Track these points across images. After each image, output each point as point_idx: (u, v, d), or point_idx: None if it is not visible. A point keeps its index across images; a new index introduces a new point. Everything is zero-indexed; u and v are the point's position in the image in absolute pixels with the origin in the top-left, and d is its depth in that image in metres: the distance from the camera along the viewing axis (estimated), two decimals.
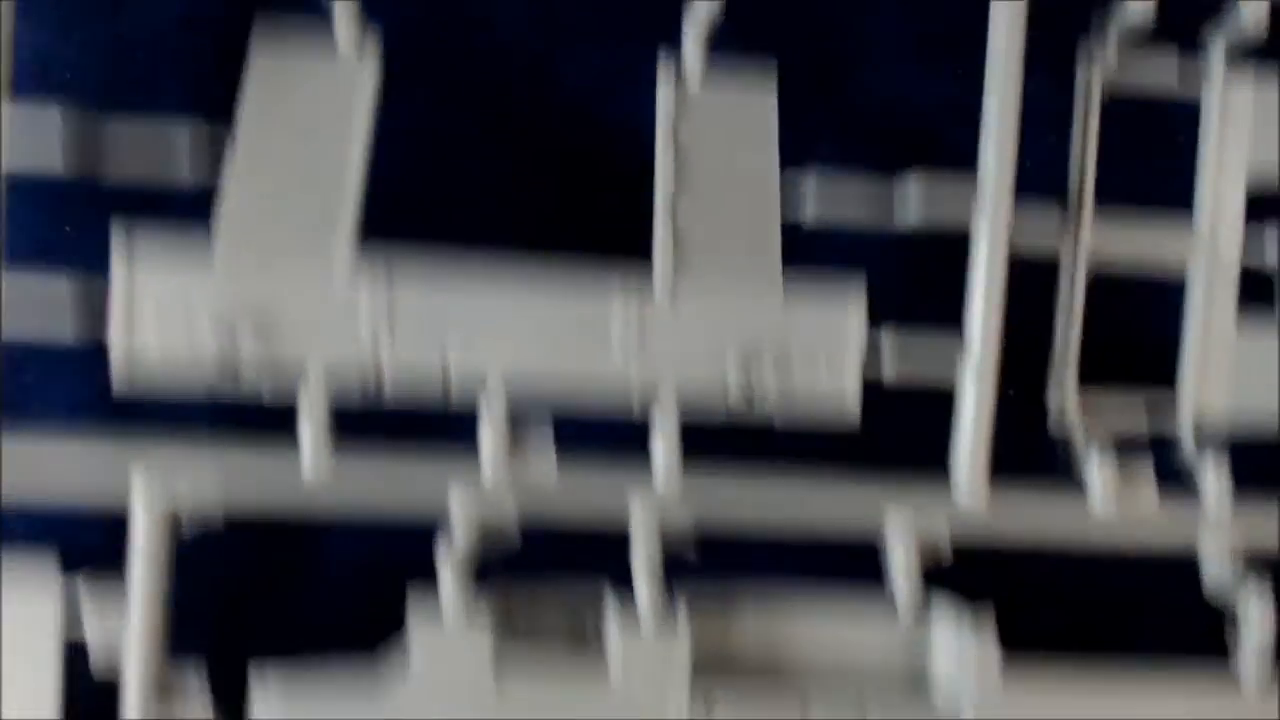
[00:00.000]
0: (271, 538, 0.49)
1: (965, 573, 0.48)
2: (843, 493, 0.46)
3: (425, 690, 0.43)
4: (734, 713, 0.44)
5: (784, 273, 0.45)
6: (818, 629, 0.46)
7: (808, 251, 0.48)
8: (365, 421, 0.46)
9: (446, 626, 0.43)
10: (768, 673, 0.46)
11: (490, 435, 0.44)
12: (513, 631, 0.45)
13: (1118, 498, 0.46)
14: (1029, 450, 0.48)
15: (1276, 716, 0.45)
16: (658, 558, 0.44)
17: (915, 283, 0.49)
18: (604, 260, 0.45)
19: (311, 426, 0.44)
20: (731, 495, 0.45)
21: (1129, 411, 0.49)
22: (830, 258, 0.48)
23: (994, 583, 0.50)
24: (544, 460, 0.45)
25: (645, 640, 0.43)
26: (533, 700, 0.43)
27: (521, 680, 0.43)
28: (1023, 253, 0.47)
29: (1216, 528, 0.46)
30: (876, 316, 0.46)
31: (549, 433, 0.45)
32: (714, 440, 0.48)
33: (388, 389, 0.44)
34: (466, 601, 0.43)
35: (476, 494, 0.44)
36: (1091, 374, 0.49)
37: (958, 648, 0.45)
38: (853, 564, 0.47)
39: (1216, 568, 0.47)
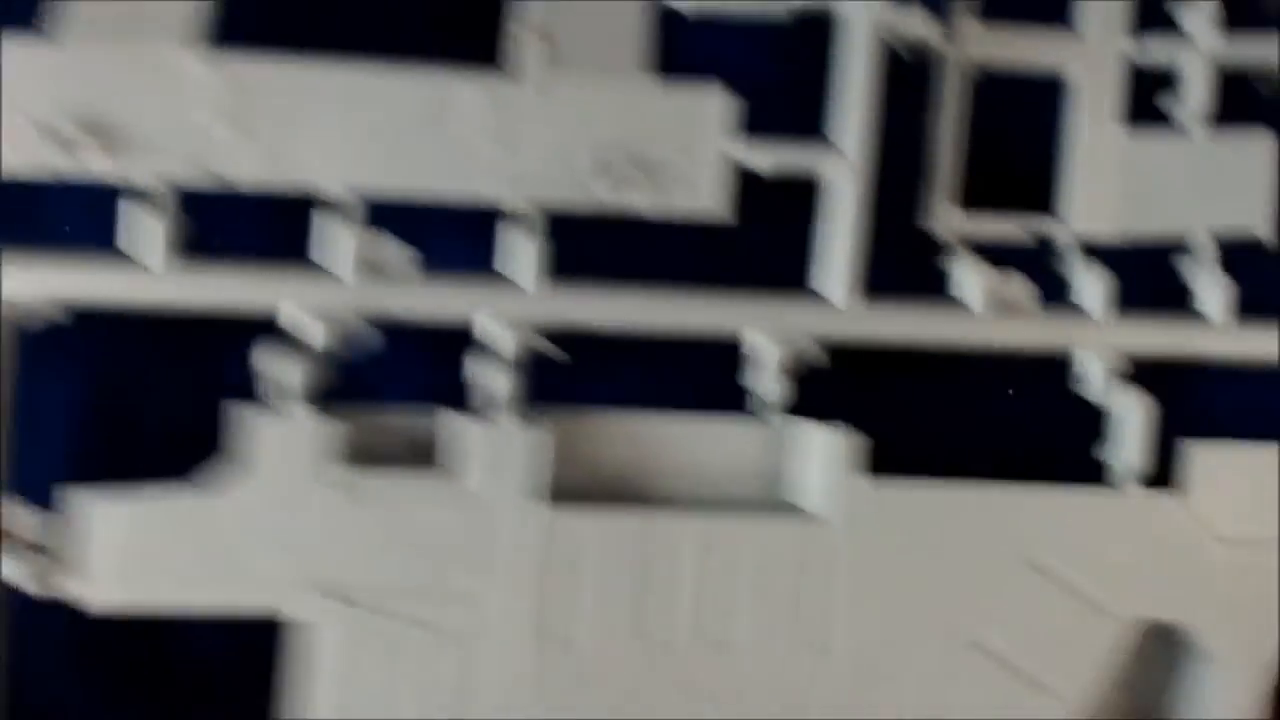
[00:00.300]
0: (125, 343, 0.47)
1: (836, 386, 0.47)
2: (711, 298, 0.44)
3: (269, 483, 0.41)
4: (579, 522, 0.42)
5: (653, 69, 0.44)
6: (678, 437, 0.45)
7: (683, 49, 0.46)
8: (218, 224, 0.45)
9: (292, 418, 0.41)
10: (623, 483, 0.44)
11: (343, 231, 0.43)
12: (359, 451, 0.43)
13: (993, 300, 0.45)
14: (910, 270, 0.47)
15: (1149, 521, 0.44)
16: (517, 352, 0.43)
17: (793, 84, 0.47)
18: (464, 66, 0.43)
19: (156, 223, 0.42)
20: (599, 298, 0.44)
21: (1012, 222, 0.47)
22: (706, 54, 0.46)
23: (869, 397, 0.50)
24: (399, 257, 0.43)
25: (497, 430, 0.42)
26: (379, 492, 0.41)
27: (361, 474, 0.42)
28: (902, 53, 0.45)
29: (1096, 334, 0.45)
30: (751, 114, 0.44)
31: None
32: (583, 247, 0.46)
33: (236, 185, 0.42)
34: (312, 393, 0.41)
35: (329, 287, 0.42)
36: (980, 192, 0.48)
37: (825, 462, 0.43)
38: (724, 373, 0.46)
39: (1095, 375, 0.45)
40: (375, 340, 0.44)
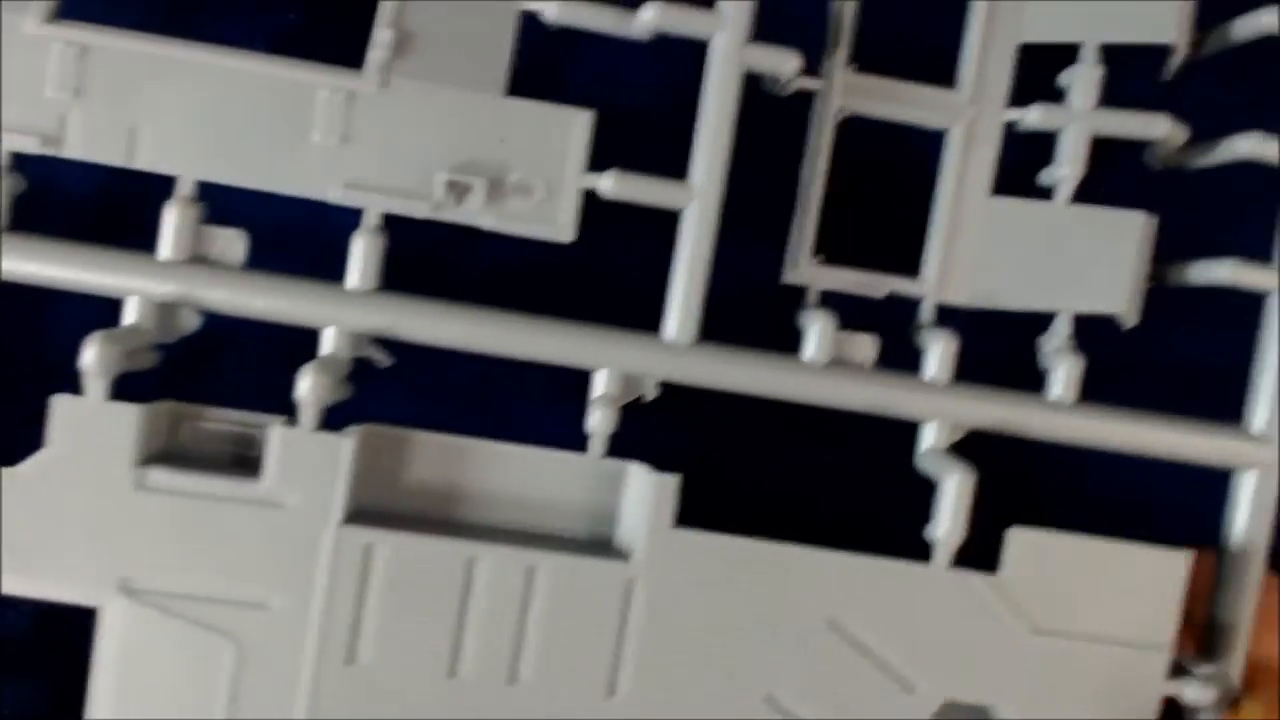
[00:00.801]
0: None
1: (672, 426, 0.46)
2: (555, 323, 0.43)
3: (70, 470, 0.40)
4: (370, 539, 0.41)
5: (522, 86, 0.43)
6: (504, 464, 0.44)
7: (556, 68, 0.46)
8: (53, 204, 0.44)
9: (89, 401, 0.40)
10: (442, 506, 0.44)
11: (175, 215, 0.42)
12: (178, 449, 0.43)
13: (835, 351, 0.44)
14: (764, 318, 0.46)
15: (959, 600, 0.43)
16: (339, 357, 0.42)
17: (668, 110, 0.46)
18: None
19: None
20: (435, 313, 0.43)
21: (871, 279, 0.46)
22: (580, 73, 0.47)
23: (705, 441, 0.49)
24: (233, 245, 0.43)
25: (298, 437, 0.41)
26: (172, 488, 0.41)
27: (164, 472, 0.41)
28: (771, 90, 0.45)
29: (934, 403, 0.44)
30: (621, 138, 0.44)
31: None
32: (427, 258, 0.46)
33: (75, 157, 0.42)
34: (114, 373, 0.40)
35: (154, 272, 0.42)
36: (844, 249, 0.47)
37: (638, 503, 0.43)
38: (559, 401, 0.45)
39: (930, 444, 0.44)
40: (195, 322, 0.43)
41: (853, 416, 0.45)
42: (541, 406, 0.48)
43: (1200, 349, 0.51)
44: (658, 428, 0.45)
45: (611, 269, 0.49)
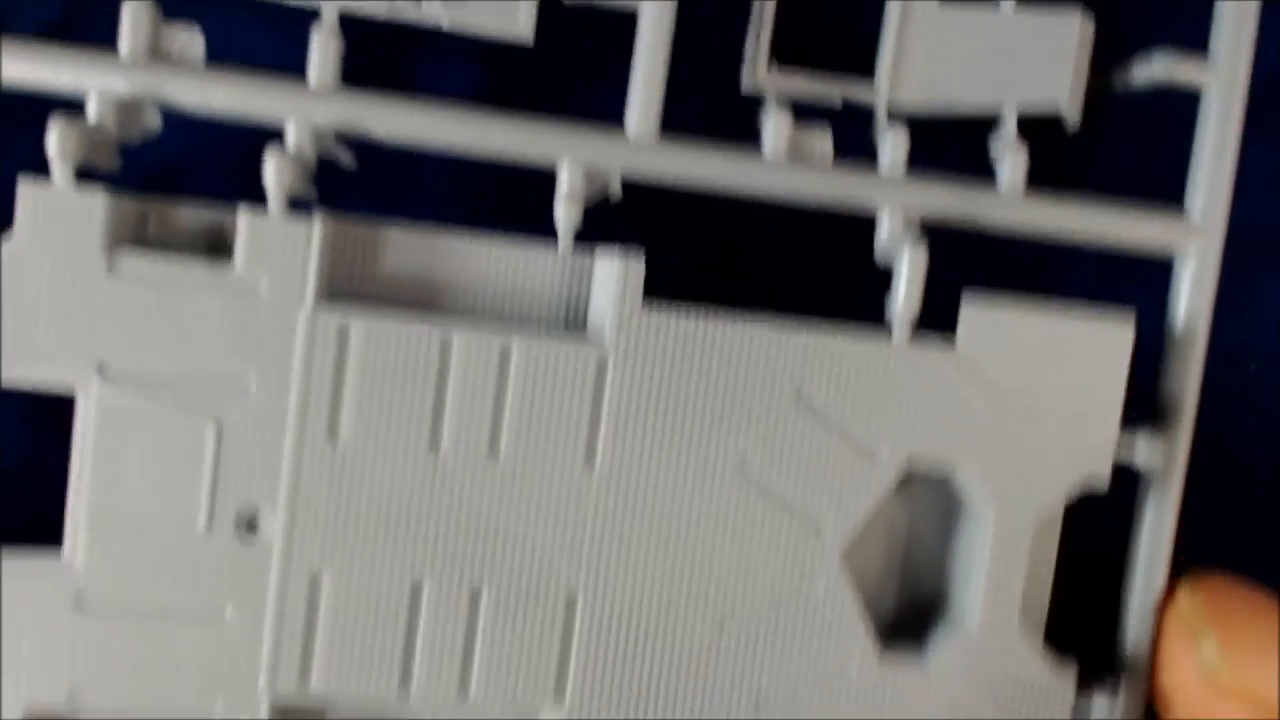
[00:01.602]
0: None
1: (636, 217, 0.47)
2: (516, 119, 0.44)
3: (29, 253, 0.40)
4: (343, 321, 0.42)
5: None
6: (476, 256, 0.44)
7: None
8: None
9: (56, 185, 0.40)
10: (417, 295, 0.44)
11: (130, 13, 0.42)
12: (147, 243, 0.43)
13: (791, 148, 0.45)
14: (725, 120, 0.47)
15: (917, 368, 0.44)
16: (302, 149, 0.42)
17: None
18: None
19: None
20: (396, 107, 0.43)
21: (826, 82, 0.48)
22: None
23: (667, 231, 0.50)
24: (192, 43, 0.43)
25: (269, 223, 0.41)
26: (144, 273, 0.41)
27: (136, 256, 0.41)
28: None
29: (888, 192, 0.45)
30: None
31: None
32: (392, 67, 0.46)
33: None
34: (79, 158, 0.40)
35: (112, 66, 0.42)
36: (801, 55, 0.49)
37: (605, 286, 0.43)
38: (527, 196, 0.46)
39: (885, 232, 0.46)
40: (156, 123, 0.43)
41: (812, 219, 0.46)
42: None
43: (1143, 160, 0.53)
44: (620, 233, 0.46)
45: (571, 83, 0.50)
